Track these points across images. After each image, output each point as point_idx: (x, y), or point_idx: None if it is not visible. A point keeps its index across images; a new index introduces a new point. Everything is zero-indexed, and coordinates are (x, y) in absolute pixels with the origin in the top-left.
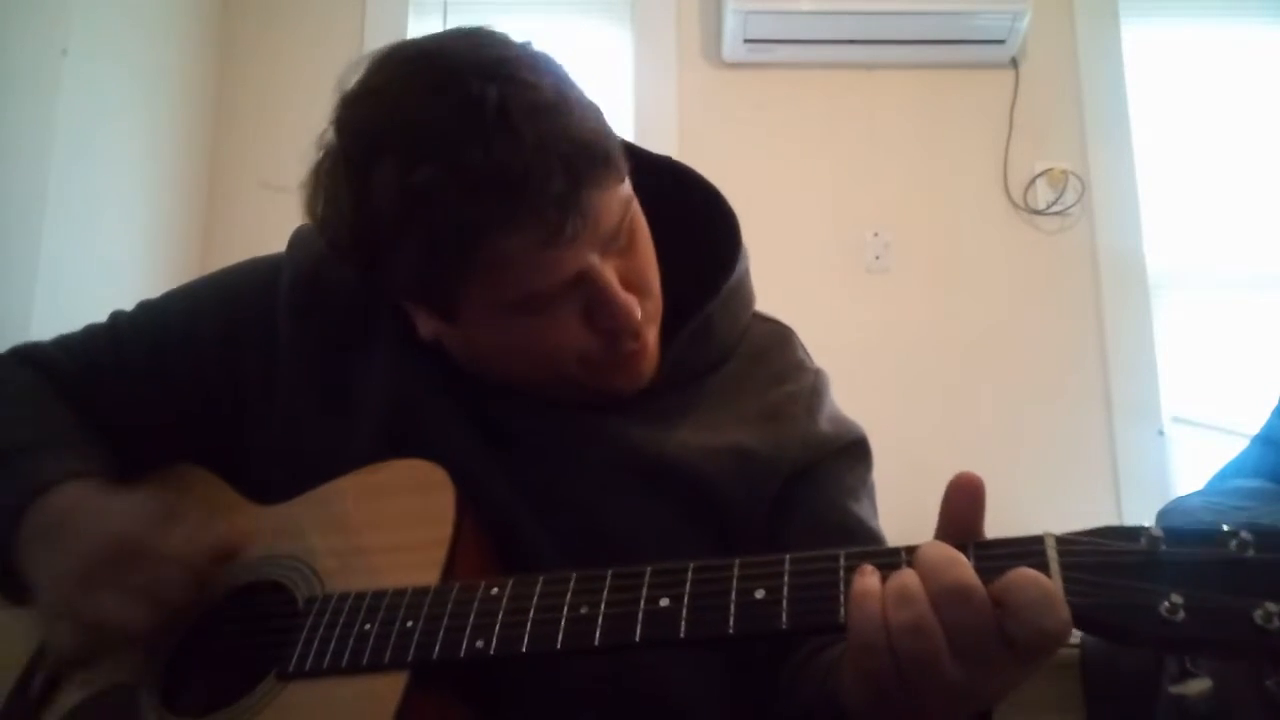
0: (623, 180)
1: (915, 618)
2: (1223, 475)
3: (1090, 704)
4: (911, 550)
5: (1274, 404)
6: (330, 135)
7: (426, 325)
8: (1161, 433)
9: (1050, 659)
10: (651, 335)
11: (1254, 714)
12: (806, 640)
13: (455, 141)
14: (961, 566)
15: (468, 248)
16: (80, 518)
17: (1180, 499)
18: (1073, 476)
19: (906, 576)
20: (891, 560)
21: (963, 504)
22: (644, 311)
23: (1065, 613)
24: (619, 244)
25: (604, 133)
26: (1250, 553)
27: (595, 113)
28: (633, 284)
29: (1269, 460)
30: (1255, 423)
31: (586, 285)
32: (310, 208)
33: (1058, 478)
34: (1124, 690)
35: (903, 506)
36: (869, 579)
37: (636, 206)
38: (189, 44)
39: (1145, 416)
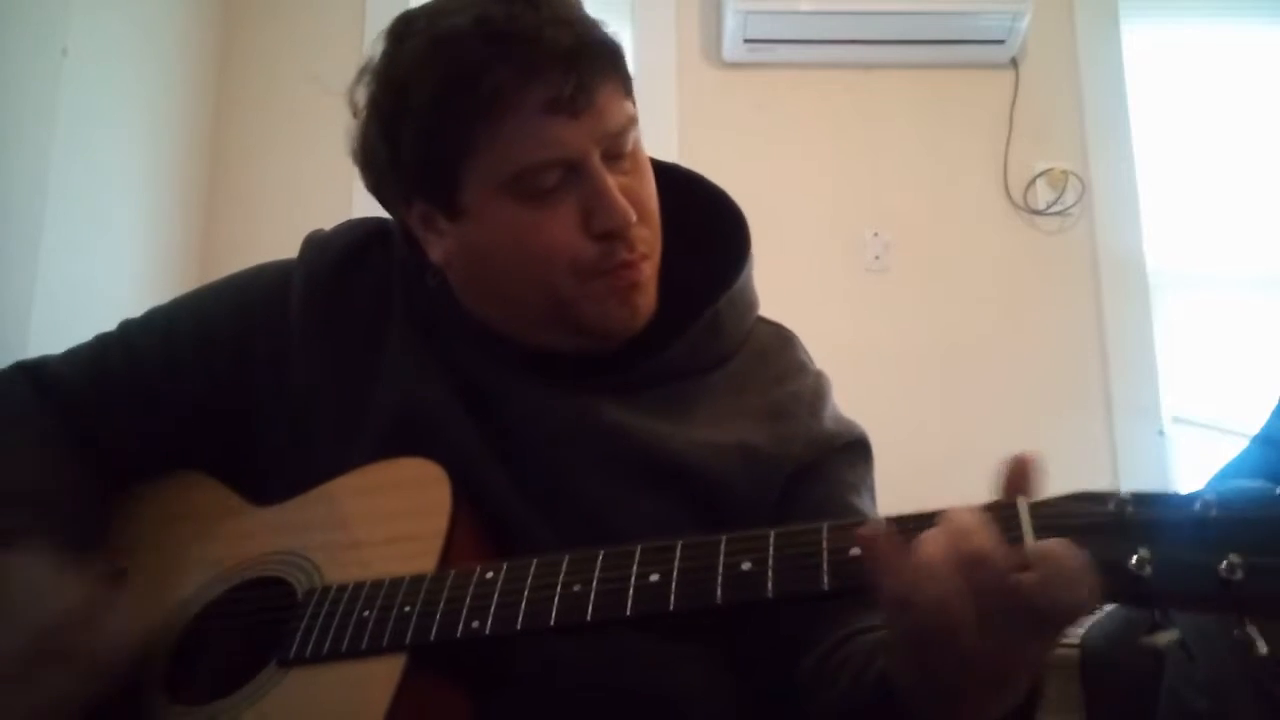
0: (629, 97)
1: (941, 593)
2: (1223, 475)
3: (1090, 704)
4: (900, 520)
5: (1274, 404)
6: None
7: (435, 246)
8: (1161, 433)
9: (1063, 632)
10: (648, 268)
11: (1228, 666)
12: (819, 639)
13: (482, 3)
14: (983, 533)
15: (477, 90)
16: (16, 592)
17: None
18: (1073, 476)
19: (933, 546)
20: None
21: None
22: (641, 238)
23: (1083, 592)
24: (621, 153)
25: (618, 45)
26: (1214, 512)
27: (614, 33)
28: (633, 204)
29: (1269, 460)
30: (1255, 423)
31: (584, 182)
32: (351, 96)
33: (1058, 478)
34: (1124, 690)
35: (902, 506)
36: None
37: (640, 139)
38: (189, 44)
39: (1145, 416)
